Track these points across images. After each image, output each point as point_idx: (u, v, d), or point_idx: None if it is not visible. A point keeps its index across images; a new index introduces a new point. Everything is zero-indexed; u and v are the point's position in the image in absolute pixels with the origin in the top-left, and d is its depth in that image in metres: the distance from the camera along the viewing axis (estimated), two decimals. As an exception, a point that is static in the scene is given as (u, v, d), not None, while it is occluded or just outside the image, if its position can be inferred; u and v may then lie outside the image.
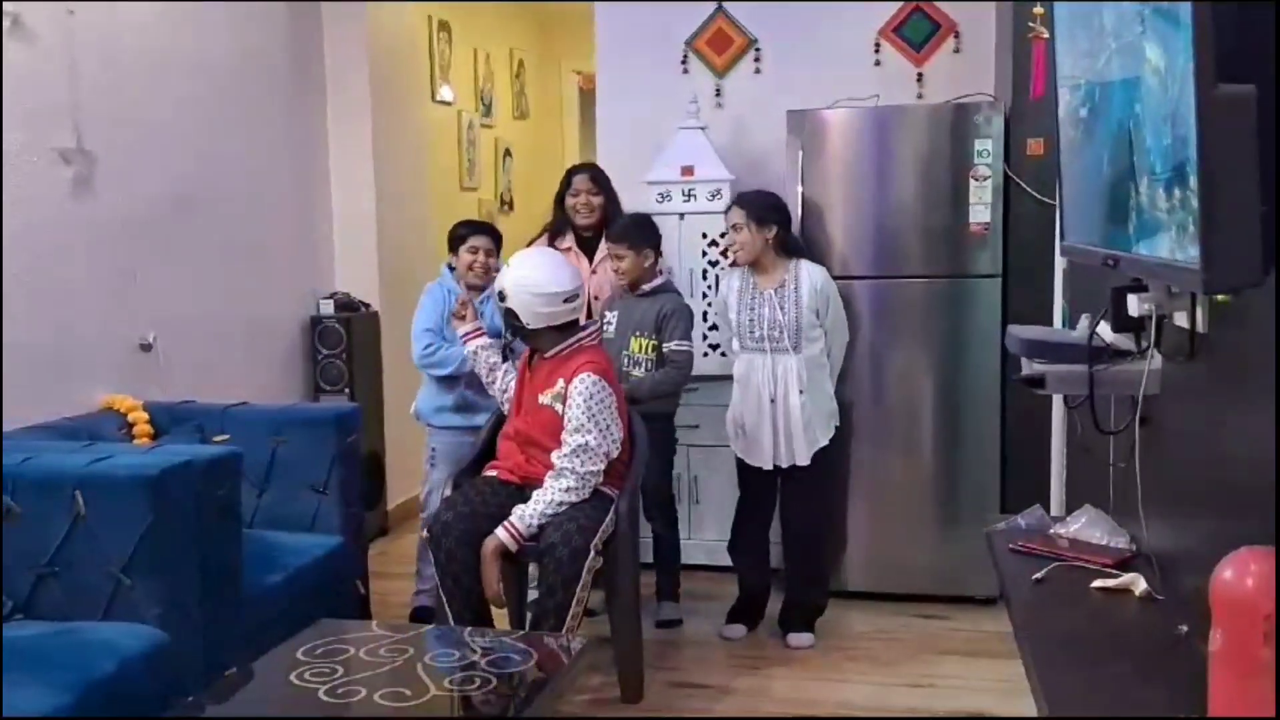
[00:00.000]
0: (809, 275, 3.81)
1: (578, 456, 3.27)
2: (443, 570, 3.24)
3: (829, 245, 4.18)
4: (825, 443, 3.84)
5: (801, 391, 3.78)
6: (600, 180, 4.14)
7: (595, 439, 3.28)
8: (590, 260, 4.14)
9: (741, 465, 3.95)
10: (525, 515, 3.24)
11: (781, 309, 3.77)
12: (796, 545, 3.94)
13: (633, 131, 4.78)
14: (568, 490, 3.26)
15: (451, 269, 4.02)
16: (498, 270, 3.74)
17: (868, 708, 3.41)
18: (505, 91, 7.25)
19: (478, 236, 3.98)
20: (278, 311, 4.73)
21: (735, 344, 3.91)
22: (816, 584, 3.98)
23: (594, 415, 3.29)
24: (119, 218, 3.77)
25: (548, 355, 3.44)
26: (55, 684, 2.32)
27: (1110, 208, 2.00)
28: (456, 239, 4.01)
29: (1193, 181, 1.53)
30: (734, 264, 3.95)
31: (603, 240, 4.06)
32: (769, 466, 3.84)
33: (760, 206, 3.78)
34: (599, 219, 4.10)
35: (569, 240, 4.16)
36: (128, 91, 3.81)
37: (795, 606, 3.96)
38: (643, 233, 3.90)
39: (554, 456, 3.30)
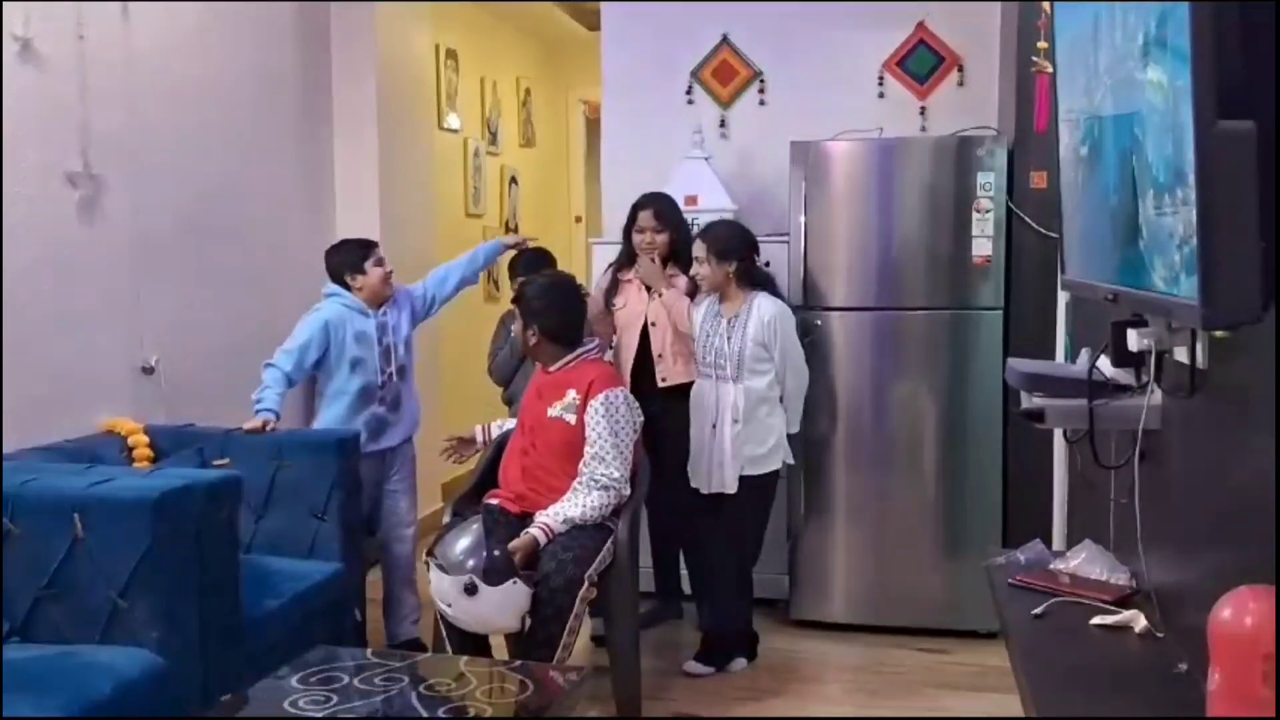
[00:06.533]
0: (760, 308, 3.81)
1: (606, 490, 3.33)
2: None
3: (831, 276, 4.19)
4: (757, 471, 3.81)
5: (736, 421, 3.78)
6: (664, 215, 4.07)
7: (619, 469, 3.35)
8: (649, 290, 4.10)
9: (695, 493, 3.93)
10: (557, 514, 3.27)
11: (729, 339, 3.81)
12: (718, 570, 3.92)
13: (638, 161, 4.79)
14: (603, 507, 3.33)
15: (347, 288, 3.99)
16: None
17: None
18: (512, 119, 7.29)
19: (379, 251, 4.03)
20: (280, 335, 4.72)
21: (696, 369, 3.96)
22: (731, 615, 3.94)
23: (619, 442, 3.37)
24: (124, 241, 3.78)
25: (550, 370, 3.49)
26: (51, 707, 2.31)
27: (1115, 240, 2.01)
28: (358, 258, 3.99)
29: (1194, 195, 1.53)
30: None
31: (667, 267, 4.08)
32: (705, 490, 3.86)
33: (722, 240, 3.83)
34: (666, 254, 4.09)
35: (633, 272, 4.13)
36: (136, 116, 3.83)
37: (711, 635, 3.96)
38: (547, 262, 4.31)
39: (582, 479, 3.34)
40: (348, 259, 3.99)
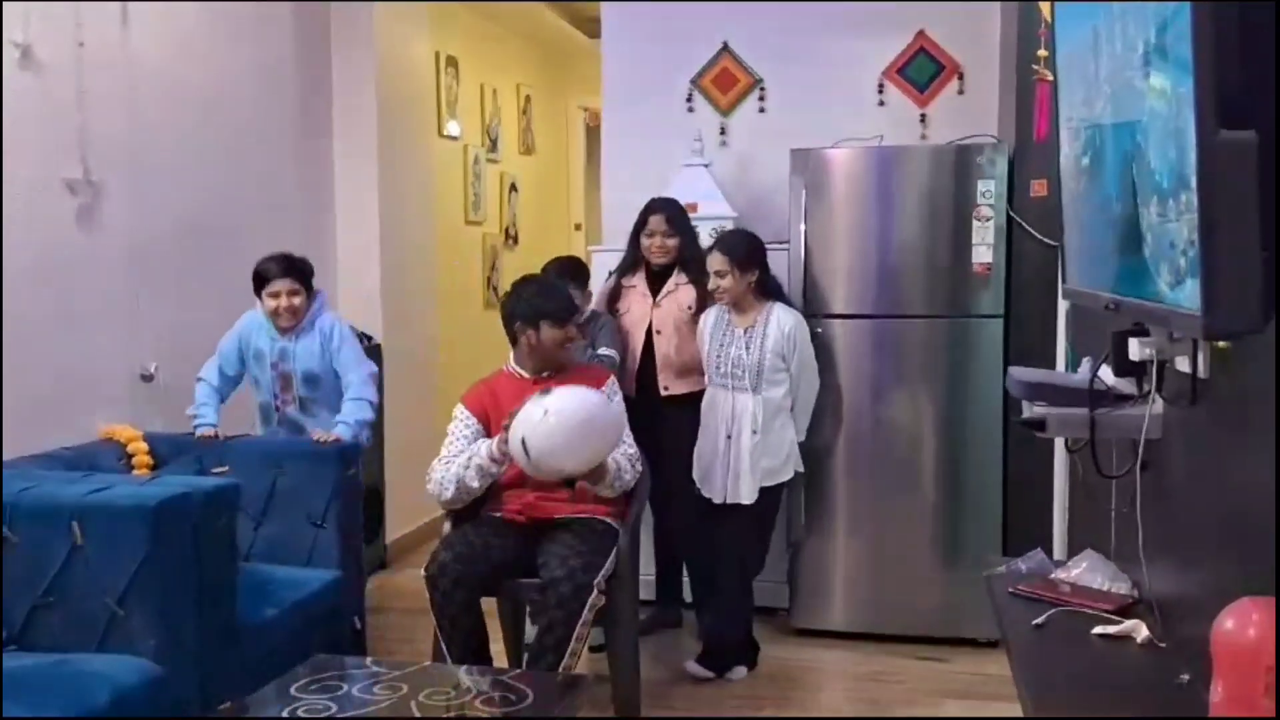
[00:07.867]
0: (779, 319, 3.83)
1: (631, 459, 3.43)
2: (440, 611, 3.20)
3: (831, 283, 4.19)
4: (772, 483, 3.83)
5: (755, 432, 3.79)
6: (676, 221, 4.08)
7: (634, 448, 3.46)
8: (655, 296, 4.12)
9: (697, 500, 3.94)
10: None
11: (747, 349, 3.81)
12: (722, 577, 3.91)
13: (638, 168, 4.79)
14: (635, 472, 3.44)
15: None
16: (306, 309, 3.85)
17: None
18: (512, 127, 7.29)
19: (279, 280, 3.80)
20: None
21: (706, 378, 3.95)
22: (733, 624, 3.94)
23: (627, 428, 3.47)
24: (123, 249, 3.79)
25: (544, 376, 3.48)
26: (48, 716, 2.30)
27: (1116, 248, 2.00)
28: (257, 286, 3.85)
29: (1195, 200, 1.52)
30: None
31: (672, 275, 4.10)
32: (719, 500, 3.86)
33: (742, 250, 3.82)
34: (674, 259, 4.10)
35: (637, 279, 4.14)
36: (135, 124, 3.83)
37: (712, 642, 3.94)
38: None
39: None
40: (255, 283, 3.87)
